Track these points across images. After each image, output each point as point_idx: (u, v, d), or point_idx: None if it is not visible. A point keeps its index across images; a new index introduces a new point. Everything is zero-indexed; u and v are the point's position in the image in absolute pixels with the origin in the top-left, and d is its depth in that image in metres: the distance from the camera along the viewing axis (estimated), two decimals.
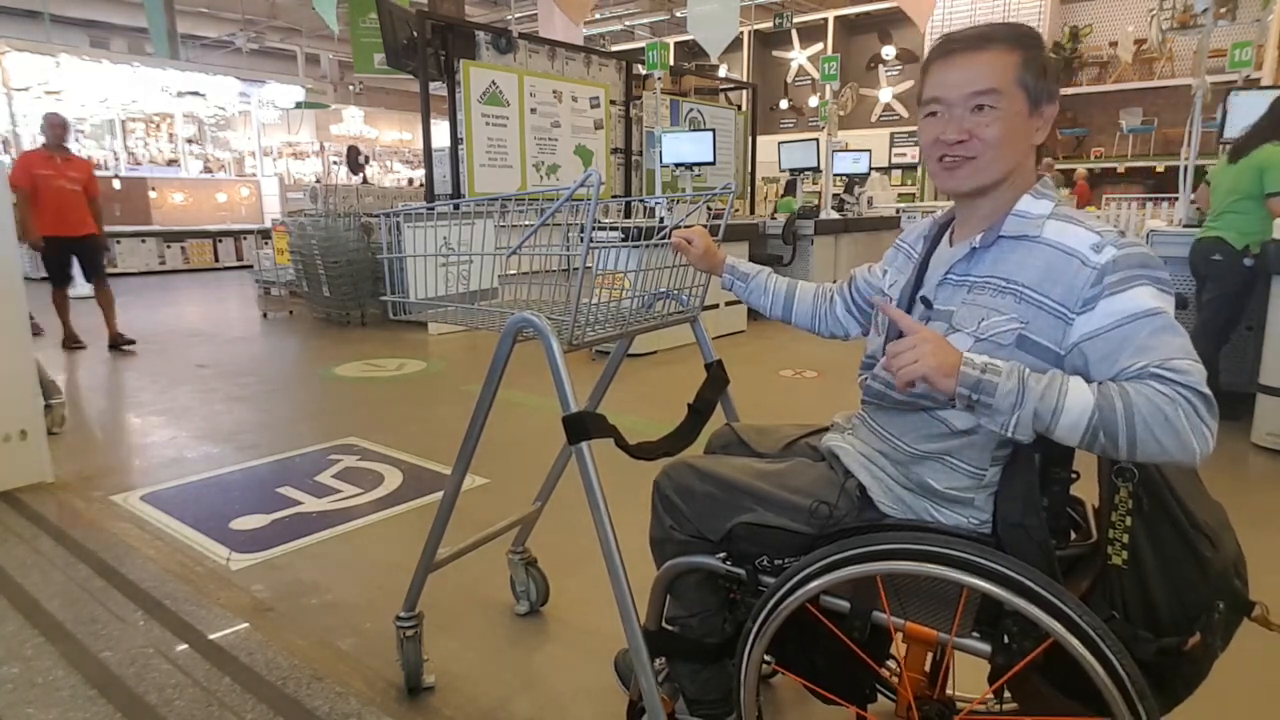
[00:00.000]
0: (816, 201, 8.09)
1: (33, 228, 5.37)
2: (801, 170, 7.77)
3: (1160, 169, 8.59)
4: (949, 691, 1.25)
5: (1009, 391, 0.92)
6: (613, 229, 4.84)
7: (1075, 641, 0.92)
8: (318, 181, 10.54)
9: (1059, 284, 1.01)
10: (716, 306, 5.81)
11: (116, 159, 11.57)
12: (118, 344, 5.58)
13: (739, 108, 9.37)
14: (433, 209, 1.63)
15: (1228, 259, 3.45)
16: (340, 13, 10.25)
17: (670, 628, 1.40)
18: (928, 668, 1.20)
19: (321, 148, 15.08)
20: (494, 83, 6.27)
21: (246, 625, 1.96)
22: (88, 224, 5.56)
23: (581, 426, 1.28)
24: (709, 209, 6.18)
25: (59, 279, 5.60)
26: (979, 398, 0.94)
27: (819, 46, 11.83)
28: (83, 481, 3.00)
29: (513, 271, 1.61)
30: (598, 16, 13.42)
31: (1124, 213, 6.62)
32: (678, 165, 6.05)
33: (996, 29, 1.07)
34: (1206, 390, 0.90)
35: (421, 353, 5.54)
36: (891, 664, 1.36)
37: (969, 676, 1.29)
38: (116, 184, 9.96)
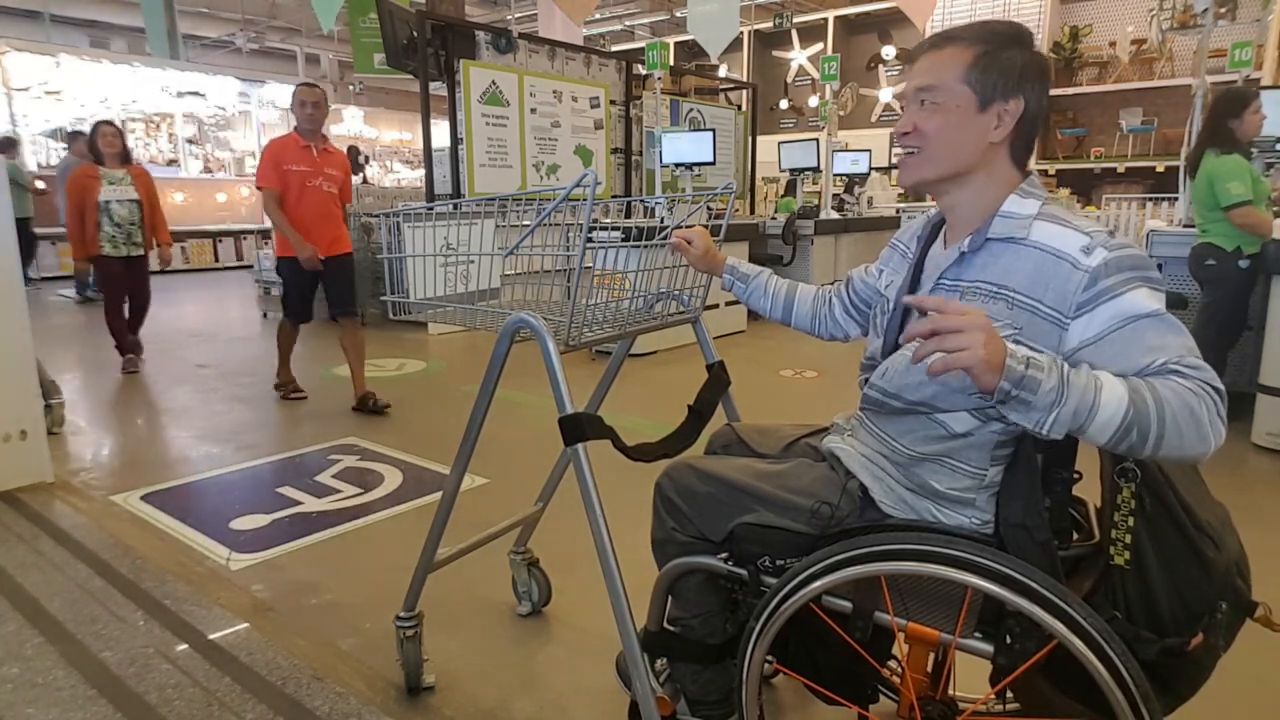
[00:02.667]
0: (816, 201, 8.09)
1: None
2: (801, 170, 7.76)
3: (1160, 169, 8.59)
4: (951, 692, 1.24)
5: (1051, 389, 0.86)
6: (614, 229, 4.84)
7: (1078, 642, 0.92)
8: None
9: (1050, 289, 1.00)
10: (716, 307, 5.81)
11: None
12: (369, 405, 3.94)
13: (739, 108, 9.36)
14: (432, 209, 1.63)
15: (1221, 263, 3.45)
16: (340, 13, 10.26)
17: (672, 628, 1.40)
18: (930, 668, 1.20)
19: None
20: (494, 83, 6.26)
21: (246, 625, 1.96)
22: (344, 239, 4.04)
23: (577, 428, 1.28)
24: (709, 209, 6.18)
25: (297, 310, 4.08)
26: (1019, 394, 0.86)
27: (819, 46, 11.83)
28: (83, 481, 3.00)
29: (512, 272, 1.61)
30: (598, 16, 13.41)
31: (1124, 213, 6.62)
32: (678, 165, 6.05)
33: (966, 28, 1.09)
34: (1220, 385, 0.91)
35: (421, 353, 5.53)
36: (893, 664, 1.36)
37: (971, 677, 1.29)
38: None
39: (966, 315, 0.86)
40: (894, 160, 1.24)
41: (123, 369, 4.81)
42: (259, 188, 3.88)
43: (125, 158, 4.89)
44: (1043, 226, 1.04)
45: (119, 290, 4.88)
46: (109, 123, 4.92)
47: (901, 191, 10.14)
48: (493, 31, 6.44)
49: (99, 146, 4.76)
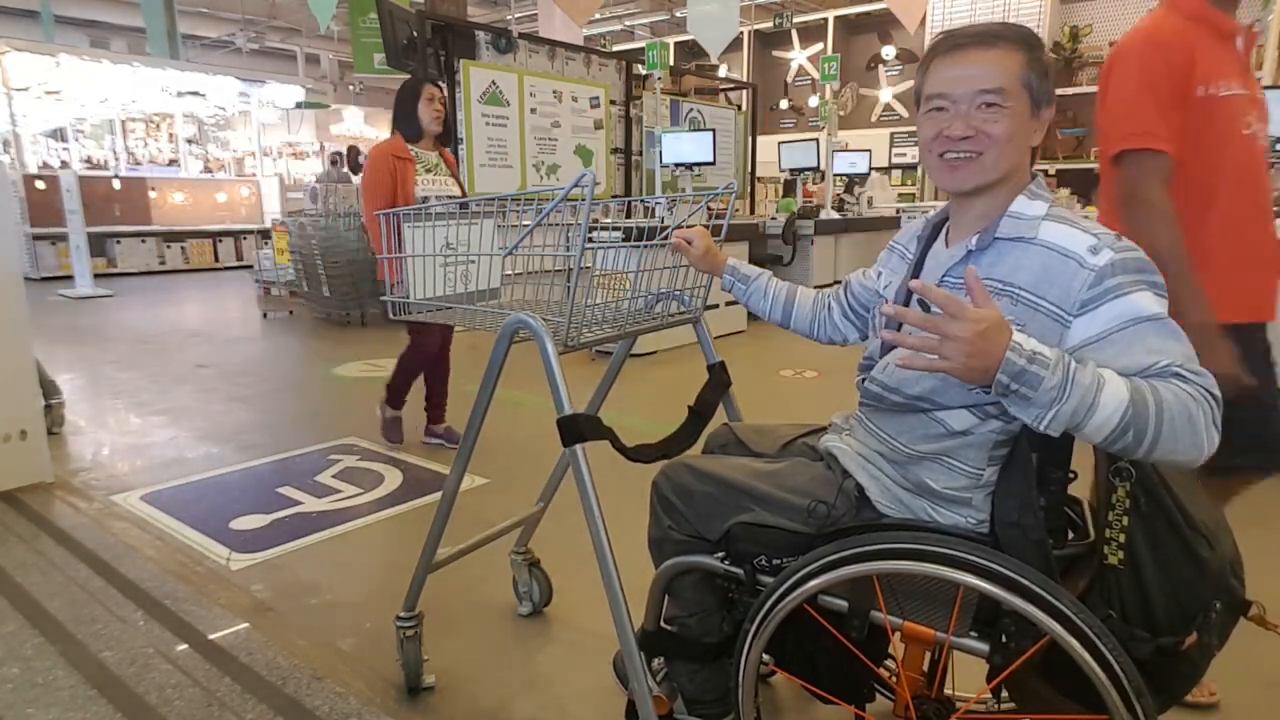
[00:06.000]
0: (816, 201, 8.09)
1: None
2: (802, 170, 7.77)
3: None
4: (947, 691, 1.25)
5: (1053, 386, 0.86)
6: (614, 229, 4.84)
7: (1072, 641, 0.93)
8: (317, 181, 10.54)
9: (1055, 286, 1.01)
10: (716, 306, 5.81)
11: (116, 159, 11.57)
12: None
13: (739, 108, 9.36)
14: (433, 209, 1.63)
15: None
16: (340, 12, 10.24)
17: (669, 627, 1.41)
18: (926, 667, 1.20)
19: (321, 148, 15.08)
20: (494, 83, 6.27)
21: (246, 625, 1.96)
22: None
23: (576, 429, 1.28)
24: (709, 209, 6.19)
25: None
26: (1018, 388, 0.87)
27: (819, 46, 11.82)
28: (83, 481, 3.00)
29: (511, 272, 1.62)
30: (598, 16, 13.41)
31: None
32: (678, 165, 6.05)
33: (1004, 28, 1.08)
34: (1219, 393, 0.91)
35: None
36: (890, 663, 1.37)
37: (968, 676, 1.30)
38: (116, 184, 9.97)
39: (956, 323, 0.86)
40: (936, 161, 1.11)
41: (447, 438, 3.47)
42: (1138, 150, 1.54)
43: (445, 136, 3.33)
44: (1051, 227, 1.05)
45: (434, 330, 3.26)
46: (435, 83, 3.27)
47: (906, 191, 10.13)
48: (493, 31, 6.44)
49: (419, 114, 3.15)
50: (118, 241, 9.86)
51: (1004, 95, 1.05)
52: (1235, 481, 1.81)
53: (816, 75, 11.79)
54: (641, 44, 9.97)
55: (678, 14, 12.57)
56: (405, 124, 3.17)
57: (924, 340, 0.89)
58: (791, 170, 7.84)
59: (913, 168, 11.32)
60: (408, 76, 3.73)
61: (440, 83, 3.40)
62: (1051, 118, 1.10)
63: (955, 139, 1.07)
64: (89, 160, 11.47)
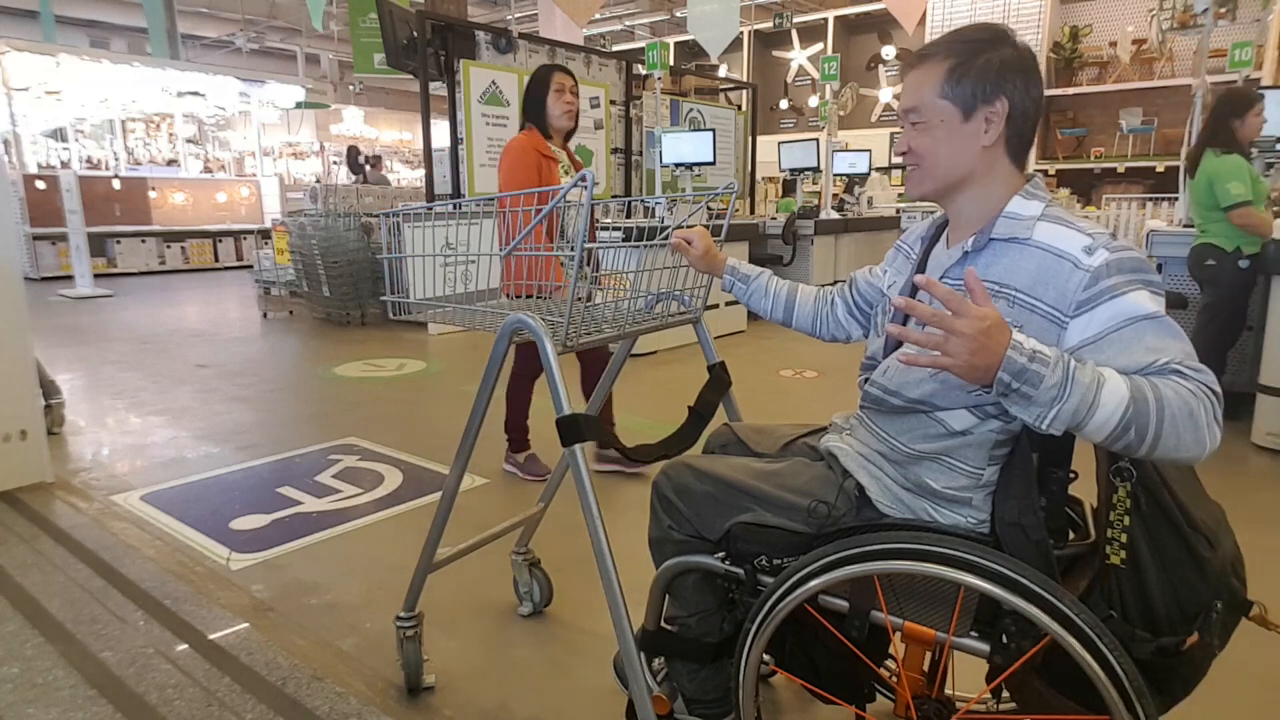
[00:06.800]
0: (816, 201, 8.09)
1: None
2: (801, 170, 7.76)
3: (1160, 169, 8.58)
4: (947, 691, 1.25)
5: (1053, 385, 0.86)
6: (614, 229, 4.84)
7: (1073, 641, 0.93)
8: (318, 181, 10.53)
9: (1051, 287, 1.01)
10: (716, 306, 5.81)
11: (116, 159, 11.57)
12: None
13: (739, 108, 9.36)
14: (432, 209, 1.63)
15: (1221, 263, 3.46)
16: (340, 12, 10.24)
17: (669, 627, 1.41)
18: (926, 667, 1.20)
19: (321, 148, 15.09)
20: (494, 83, 6.26)
21: (246, 625, 1.96)
22: None
23: (575, 429, 1.28)
24: (709, 209, 6.18)
25: None
26: (1019, 387, 0.87)
27: (819, 46, 11.83)
28: (83, 481, 3.00)
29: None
30: (598, 16, 13.41)
31: (1123, 213, 6.61)
32: (678, 165, 6.05)
33: (940, 42, 1.12)
34: (1219, 390, 0.91)
35: (421, 353, 5.54)
36: (890, 663, 1.37)
37: (968, 676, 1.29)
38: (116, 184, 9.97)
39: (961, 319, 0.87)
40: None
41: (525, 470, 2.97)
42: None
43: (571, 132, 2.90)
44: (1045, 227, 1.05)
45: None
46: (564, 70, 2.80)
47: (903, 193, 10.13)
48: (493, 31, 6.44)
49: (547, 107, 2.78)
50: (118, 241, 9.86)
51: (917, 112, 1.12)
52: None
53: (816, 75, 11.79)
54: (641, 44, 9.97)
55: (678, 14, 12.57)
56: (537, 118, 2.81)
57: (928, 336, 0.89)
58: (791, 170, 7.83)
59: None
60: (407, 76, 3.59)
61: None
62: (1005, 112, 1.07)
63: (898, 154, 1.17)
64: (89, 160, 11.46)
